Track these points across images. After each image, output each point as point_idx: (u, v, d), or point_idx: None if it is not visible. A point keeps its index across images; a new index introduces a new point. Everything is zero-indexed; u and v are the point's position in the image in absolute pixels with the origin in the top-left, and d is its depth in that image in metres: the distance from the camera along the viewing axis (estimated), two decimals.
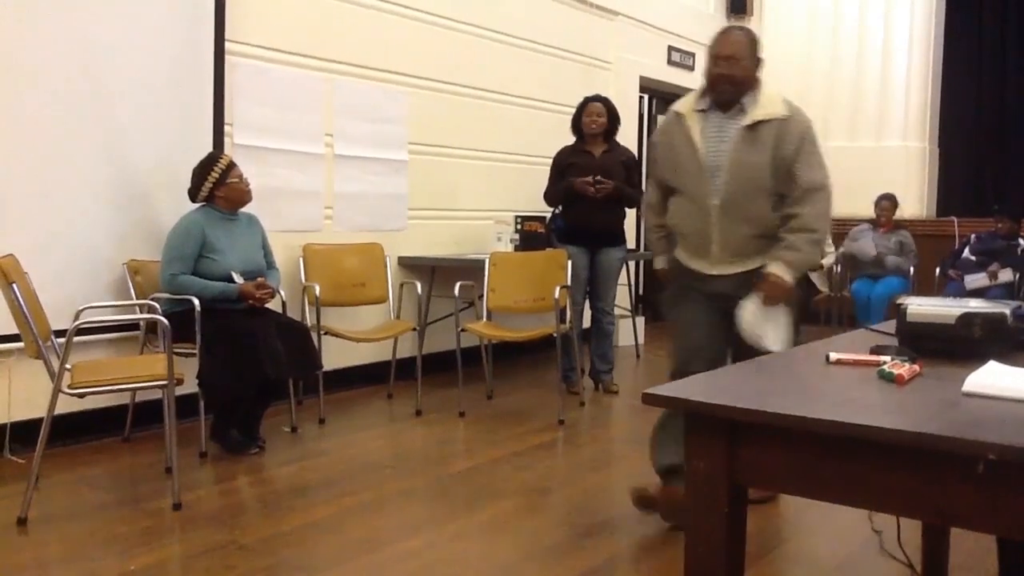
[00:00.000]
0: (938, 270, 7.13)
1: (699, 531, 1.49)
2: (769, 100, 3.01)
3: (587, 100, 5.40)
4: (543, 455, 4.22)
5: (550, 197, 5.43)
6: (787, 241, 2.98)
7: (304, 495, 3.51)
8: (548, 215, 5.59)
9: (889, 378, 1.59)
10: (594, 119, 5.31)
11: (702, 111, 3.06)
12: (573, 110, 5.46)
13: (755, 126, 2.96)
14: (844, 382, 1.63)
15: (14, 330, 3.28)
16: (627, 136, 6.92)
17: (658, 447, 3.18)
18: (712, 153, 3.00)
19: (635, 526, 3.11)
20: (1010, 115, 8.75)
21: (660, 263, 3.44)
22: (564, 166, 5.35)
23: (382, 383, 5.29)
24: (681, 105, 3.14)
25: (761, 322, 2.95)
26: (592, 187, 5.14)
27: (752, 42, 3.05)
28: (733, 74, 2.98)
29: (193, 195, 4.11)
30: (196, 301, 3.82)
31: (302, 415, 4.57)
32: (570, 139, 5.47)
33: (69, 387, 3.21)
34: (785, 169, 2.95)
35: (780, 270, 2.96)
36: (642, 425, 4.68)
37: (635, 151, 6.46)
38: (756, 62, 3.05)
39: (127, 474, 3.78)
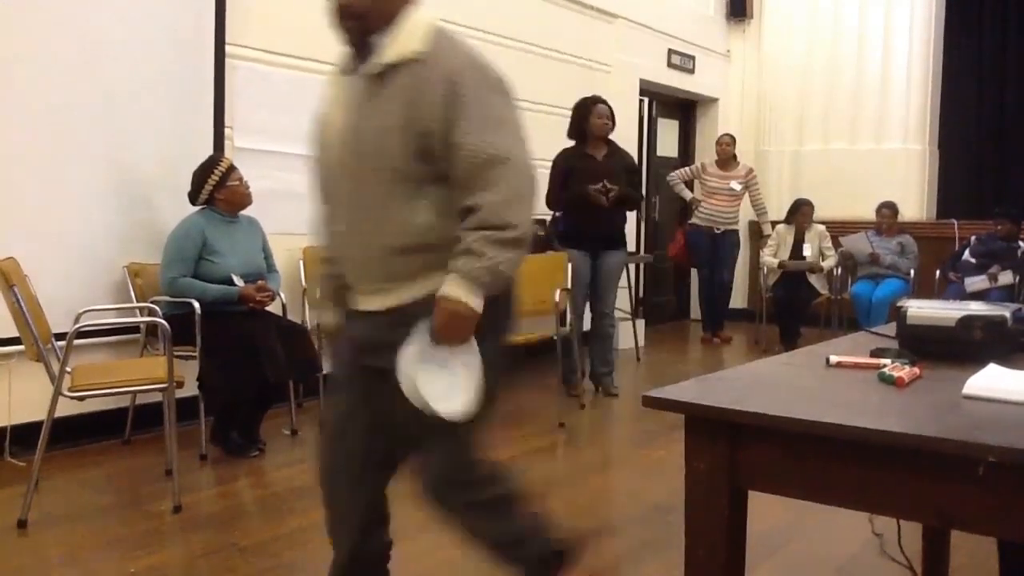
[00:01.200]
0: (938, 273, 7.12)
1: (699, 534, 1.49)
2: (405, 34, 1.92)
3: (595, 101, 5.33)
4: (543, 458, 4.22)
5: (553, 201, 5.32)
6: (464, 244, 1.87)
7: (304, 497, 3.51)
8: (548, 218, 5.58)
9: (889, 381, 1.59)
10: (605, 121, 5.26)
11: (350, 66, 2.04)
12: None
13: (384, 75, 1.91)
14: (844, 385, 1.63)
15: (14, 333, 3.29)
16: (628, 139, 6.93)
17: None
18: (339, 124, 1.99)
19: (636, 529, 3.11)
20: (1010, 117, 8.75)
21: (327, 316, 2.22)
22: (567, 170, 5.29)
23: None
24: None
25: (428, 374, 1.85)
26: (606, 196, 5.11)
27: None
28: (352, 2, 1.93)
29: (193, 198, 4.12)
30: (196, 304, 3.82)
31: (302, 417, 4.57)
32: (567, 142, 5.42)
33: (69, 390, 3.22)
34: (432, 138, 1.87)
35: (456, 289, 1.85)
36: (643, 427, 4.68)
37: (636, 155, 6.43)
38: None
39: (127, 477, 3.78)
